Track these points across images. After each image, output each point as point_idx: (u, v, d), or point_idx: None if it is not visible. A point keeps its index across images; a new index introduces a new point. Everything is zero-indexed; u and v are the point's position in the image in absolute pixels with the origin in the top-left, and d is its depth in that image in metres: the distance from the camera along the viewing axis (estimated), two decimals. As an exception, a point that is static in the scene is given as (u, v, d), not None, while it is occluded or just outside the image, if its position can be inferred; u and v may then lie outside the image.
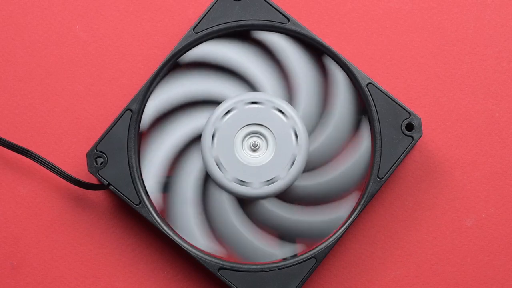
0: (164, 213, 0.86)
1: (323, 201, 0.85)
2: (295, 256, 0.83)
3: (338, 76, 0.84)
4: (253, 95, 0.82)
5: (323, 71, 0.86)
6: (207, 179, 0.84)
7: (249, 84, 0.85)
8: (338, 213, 0.84)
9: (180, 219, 0.84)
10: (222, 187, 0.82)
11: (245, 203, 0.84)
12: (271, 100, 0.82)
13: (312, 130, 0.85)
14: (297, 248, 0.84)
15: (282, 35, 0.84)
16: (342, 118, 0.84)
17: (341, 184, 0.84)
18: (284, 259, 0.82)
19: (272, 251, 0.83)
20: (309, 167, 0.84)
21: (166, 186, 0.85)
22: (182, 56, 0.84)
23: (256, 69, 0.84)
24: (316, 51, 0.85)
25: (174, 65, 0.85)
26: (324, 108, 0.86)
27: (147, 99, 0.84)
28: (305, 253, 0.82)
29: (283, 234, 0.85)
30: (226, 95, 0.83)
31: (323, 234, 0.84)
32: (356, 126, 0.85)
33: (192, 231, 0.83)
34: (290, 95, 0.85)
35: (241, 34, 0.85)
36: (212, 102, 0.84)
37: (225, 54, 0.84)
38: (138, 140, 0.84)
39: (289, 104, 0.82)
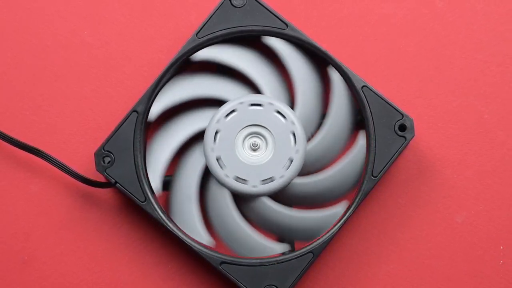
0: (166, 209, 0.86)
1: (319, 202, 0.85)
2: (293, 251, 0.83)
3: (336, 80, 0.84)
4: (255, 98, 0.82)
5: (322, 75, 0.86)
6: (208, 177, 0.84)
7: (251, 86, 0.85)
8: (332, 216, 0.83)
9: (182, 215, 0.84)
10: (222, 184, 0.82)
11: (243, 201, 0.84)
12: (272, 102, 0.82)
13: (310, 132, 0.85)
14: (291, 246, 0.84)
15: (283, 40, 0.84)
16: (340, 121, 0.84)
17: (336, 187, 0.84)
18: (283, 254, 0.83)
19: (266, 247, 0.83)
20: (306, 169, 0.84)
21: (169, 184, 0.85)
22: (193, 55, 0.84)
23: (257, 72, 0.85)
24: (316, 57, 0.85)
25: (185, 63, 0.85)
26: (322, 110, 0.86)
27: (153, 101, 0.84)
28: (303, 248, 0.82)
29: (278, 232, 0.85)
30: (229, 97, 0.84)
31: (316, 234, 0.83)
32: (354, 128, 0.85)
33: (193, 226, 0.84)
34: (289, 97, 0.86)
35: (245, 39, 0.85)
36: (215, 103, 0.84)
37: (229, 58, 0.84)
38: (143, 140, 0.84)
39: (289, 107, 0.82)
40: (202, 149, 0.83)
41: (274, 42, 0.84)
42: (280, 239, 0.86)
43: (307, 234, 0.84)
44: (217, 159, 0.82)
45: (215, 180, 0.83)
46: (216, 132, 0.82)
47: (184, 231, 0.83)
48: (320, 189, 0.84)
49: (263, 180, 0.82)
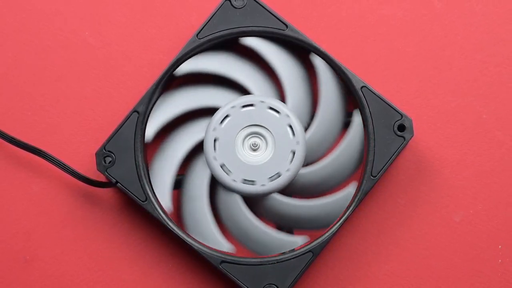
0: (176, 215, 0.86)
1: (328, 187, 0.85)
2: (293, 250, 0.83)
3: (320, 66, 0.84)
4: (245, 99, 0.82)
5: (309, 68, 0.85)
6: (216, 186, 0.84)
7: (238, 89, 0.85)
8: (345, 197, 0.83)
9: (199, 228, 0.84)
10: (231, 189, 0.82)
11: (255, 202, 0.84)
12: (263, 100, 0.82)
13: (305, 122, 0.85)
14: (304, 238, 0.84)
15: (260, 38, 0.84)
16: (331, 105, 0.84)
17: (342, 168, 0.84)
18: (283, 253, 0.83)
19: (287, 243, 0.83)
20: (309, 158, 0.84)
21: (178, 184, 0.85)
22: (176, 71, 0.84)
23: (242, 74, 0.84)
24: (294, 47, 0.85)
25: (169, 80, 0.85)
26: (312, 99, 0.86)
27: (153, 102, 0.84)
28: (303, 247, 0.82)
29: (295, 225, 0.84)
30: (220, 103, 0.83)
31: (332, 220, 0.83)
32: (347, 110, 0.85)
33: (212, 237, 0.84)
34: (278, 92, 0.85)
35: (224, 43, 0.85)
36: (207, 113, 0.84)
37: (211, 66, 0.84)
38: (144, 140, 0.84)
39: (280, 102, 0.82)
40: (204, 160, 0.83)
41: (252, 41, 0.84)
42: (297, 232, 0.86)
43: (324, 221, 0.84)
44: (221, 166, 0.82)
45: (223, 187, 0.83)
46: (215, 140, 0.82)
47: (204, 243, 0.83)
48: (328, 174, 0.84)
49: (270, 177, 0.82)
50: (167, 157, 0.84)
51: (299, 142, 0.82)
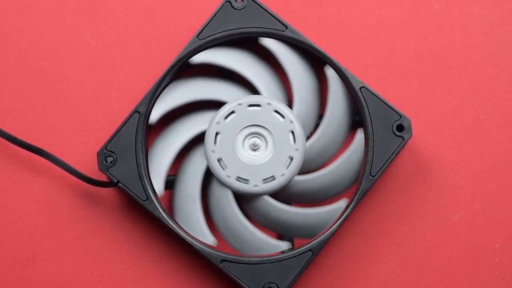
0: (169, 209, 0.86)
1: (319, 199, 0.85)
2: (292, 249, 0.83)
3: (332, 78, 0.84)
4: (253, 98, 0.82)
5: (319, 74, 0.86)
6: (210, 178, 0.85)
7: (248, 88, 0.85)
8: (333, 211, 0.84)
9: (185, 216, 0.84)
10: (224, 184, 0.82)
11: (245, 200, 0.85)
12: (270, 102, 0.82)
13: (308, 131, 0.85)
14: (291, 244, 0.85)
15: (279, 41, 0.85)
16: (337, 118, 0.85)
17: (336, 183, 0.84)
18: (283, 252, 0.83)
19: (269, 245, 0.84)
20: (306, 167, 0.85)
21: (171, 183, 0.86)
22: (192, 58, 0.84)
23: (254, 73, 0.85)
24: (312, 56, 0.85)
25: (184, 66, 0.85)
26: (319, 108, 0.86)
27: (154, 102, 0.84)
28: (302, 246, 0.83)
29: (280, 230, 0.85)
30: (228, 99, 0.84)
31: (317, 231, 0.84)
32: (351, 126, 0.86)
33: (197, 227, 0.84)
34: (287, 97, 0.86)
35: (242, 41, 0.85)
36: (214, 105, 0.84)
37: (226, 60, 0.85)
38: (145, 140, 0.84)
39: (287, 107, 0.82)
40: (203, 151, 0.84)
41: (270, 43, 0.85)
42: (281, 237, 0.86)
43: (308, 231, 0.84)
44: (218, 160, 0.82)
45: (217, 181, 0.83)
46: (216, 134, 0.82)
47: (188, 231, 0.84)
48: (321, 186, 0.84)
49: (264, 179, 0.82)
50: (168, 141, 0.85)
51: (298, 149, 0.82)
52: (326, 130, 0.85)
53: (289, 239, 0.86)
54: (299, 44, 0.85)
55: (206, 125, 0.84)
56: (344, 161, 0.84)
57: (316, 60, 0.86)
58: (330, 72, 0.85)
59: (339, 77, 0.85)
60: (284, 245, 0.84)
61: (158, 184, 0.84)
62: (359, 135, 0.84)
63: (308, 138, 0.85)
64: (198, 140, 0.85)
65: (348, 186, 0.85)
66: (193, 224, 0.84)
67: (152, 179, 0.84)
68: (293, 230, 0.85)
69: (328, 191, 0.85)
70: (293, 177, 0.82)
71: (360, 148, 0.84)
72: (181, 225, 0.84)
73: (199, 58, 0.84)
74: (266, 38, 0.85)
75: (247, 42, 0.86)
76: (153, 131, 0.87)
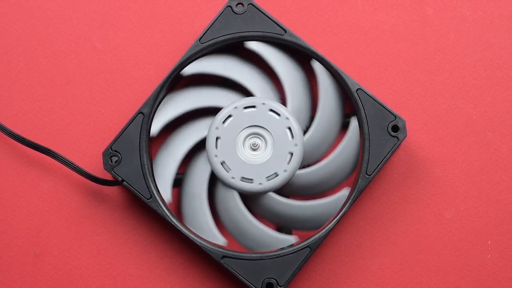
0: (175, 208, 0.86)
1: (324, 189, 0.85)
2: (291, 245, 0.83)
3: (320, 71, 0.84)
4: (248, 100, 0.82)
5: (309, 73, 0.86)
6: (215, 182, 0.85)
7: (241, 91, 0.85)
8: (339, 199, 0.84)
9: (196, 221, 0.85)
10: (229, 186, 0.82)
11: (252, 199, 0.85)
12: (264, 102, 0.82)
13: (304, 125, 0.85)
14: (295, 238, 0.84)
15: (263, 43, 0.84)
16: (330, 110, 0.85)
17: (337, 171, 0.84)
18: (282, 249, 0.83)
19: (281, 240, 0.84)
20: (306, 160, 0.85)
21: (178, 183, 0.86)
22: (182, 71, 0.84)
23: (245, 76, 0.85)
24: (295, 52, 0.85)
25: (176, 79, 0.85)
26: (312, 102, 0.86)
27: (158, 104, 0.84)
28: (301, 243, 0.83)
29: (283, 225, 0.85)
30: (223, 104, 0.84)
31: (325, 220, 0.84)
32: (344, 115, 0.86)
33: (208, 230, 0.84)
34: (279, 95, 0.86)
35: (228, 47, 0.85)
36: (210, 112, 0.84)
37: (216, 68, 0.84)
38: (149, 140, 0.84)
39: (281, 104, 0.82)
40: (205, 156, 0.84)
41: (256, 46, 0.85)
42: (289, 232, 0.86)
43: (316, 222, 0.84)
44: (222, 164, 0.82)
45: (222, 183, 0.84)
46: (217, 139, 0.82)
47: (199, 234, 0.84)
48: (323, 177, 0.85)
49: (268, 177, 0.82)
50: (171, 151, 0.85)
51: (297, 144, 0.82)
52: (320, 123, 0.85)
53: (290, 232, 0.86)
54: (298, 48, 0.85)
55: (205, 131, 0.84)
56: (343, 149, 0.84)
57: (301, 55, 0.85)
58: (317, 66, 0.84)
59: (326, 70, 0.84)
60: (292, 238, 0.84)
61: (166, 192, 0.84)
62: (353, 123, 0.84)
63: (304, 132, 0.85)
64: (199, 147, 0.85)
65: (348, 174, 0.85)
66: (203, 227, 0.84)
67: (159, 188, 0.84)
68: (301, 223, 0.85)
69: (330, 181, 0.85)
70: (295, 171, 0.82)
71: (356, 135, 0.84)
72: (191, 229, 0.84)
73: (190, 69, 0.84)
74: (250, 41, 0.84)
75: (232, 48, 0.86)
76: (155, 140, 0.87)
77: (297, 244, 0.83)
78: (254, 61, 0.86)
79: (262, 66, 0.86)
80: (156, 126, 0.84)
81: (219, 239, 0.84)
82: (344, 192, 0.84)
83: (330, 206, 0.84)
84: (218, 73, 0.85)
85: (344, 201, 0.84)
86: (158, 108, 0.85)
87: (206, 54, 0.86)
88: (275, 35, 0.85)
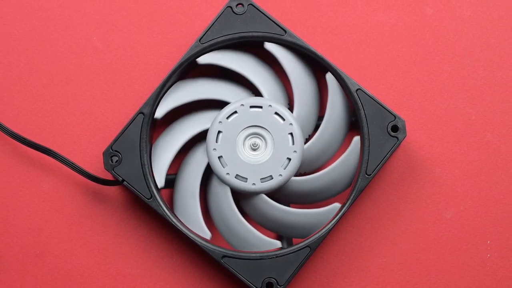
0: (170, 204, 0.86)
1: (315, 201, 0.86)
2: (291, 245, 0.84)
3: (331, 83, 0.85)
4: (255, 100, 0.83)
5: (319, 79, 0.87)
6: (210, 175, 0.85)
7: (251, 90, 0.86)
8: (327, 213, 0.84)
9: (185, 210, 0.85)
10: (223, 181, 0.82)
11: (243, 198, 0.85)
12: (271, 105, 0.82)
13: (307, 133, 0.86)
14: (288, 243, 0.85)
15: (283, 47, 0.85)
16: (335, 122, 0.85)
17: (330, 186, 0.85)
18: (281, 248, 0.83)
19: (263, 242, 0.84)
20: (303, 169, 0.86)
21: (172, 182, 0.86)
22: (198, 59, 0.84)
23: (257, 76, 0.86)
24: (313, 62, 0.86)
25: (191, 66, 0.85)
26: (318, 112, 0.86)
27: (158, 104, 0.84)
28: (300, 242, 0.83)
29: (275, 229, 0.85)
30: (231, 99, 0.85)
31: (311, 231, 0.84)
32: (348, 129, 0.86)
33: (195, 221, 0.84)
34: (287, 100, 0.87)
35: (247, 45, 0.86)
36: (217, 105, 0.85)
37: (230, 62, 0.85)
38: (149, 140, 0.85)
39: (287, 109, 0.83)
40: (205, 148, 0.84)
41: (274, 48, 0.85)
42: (278, 236, 0.86)
43: (303, 231, 0.85)
44: (219, 158, 0.82)
45: (216, 178, 0.84)
46: (218, 133, 0.82)
47: (186, 224, 0.84)
48: (317, 187, 0.85)
49: (262, 179, 0.82)
50: (172, 138, 0.85)
51: (296, 150, 0.82)
52: (324, 133, 0.85)
53: (287, 239, 0.86)
54: (298, 48, 0.85)
55: (208, 124, 0.84)
56: (340, 164, 0.84)
57: (317, 66, 0.86)
58: (330, 79, 0.85)
59: (339, 85, 0.85)
60: (278, 243, 0.84)
61: (160, 177, 0.84)
62: (356, 139, 0.84)
63: (307, 140, 0.85)
64: (201, 138, 0.86)
65: (342, 189, 0.86)
66: (191, 219, 0.84)
67: (154, 173, 0.84)
68: (288, 229, 0.85)
69: (324, 193, 0.85)
70: (290, 177, 0.83)
71: (356, 152, 0.84)
72: (180, 219, 0.84)
73: (206, 59, 0.85)
74: (270, 43, 0.85)
75: (252, 46, 0.86)
76: (157, 129, 0.87)
77: (296, 244, 0.83)
78: (269, 62, 0.87)
79: (277, 69, 0.87)
80: (161, 110, 0.84)
81: (206, 233, 0.84)
82: (335, 205, 0.84)
83: (320, 217, 0.84)
84: (233, 68, 0.85)
85: (333, 214, 0.84)
86: (167, 93, 0.85)
87: (206, 53, 0.86)
88: (275, 35, 0.85)
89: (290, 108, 0.86)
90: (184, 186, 0.85)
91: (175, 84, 0.85)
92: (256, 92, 0.86)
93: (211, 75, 0.87)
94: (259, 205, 0.85)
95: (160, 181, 0.85)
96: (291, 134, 0.83)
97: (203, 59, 0.85)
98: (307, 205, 0.86)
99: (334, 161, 0.85)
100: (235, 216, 0.84)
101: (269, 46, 0.85)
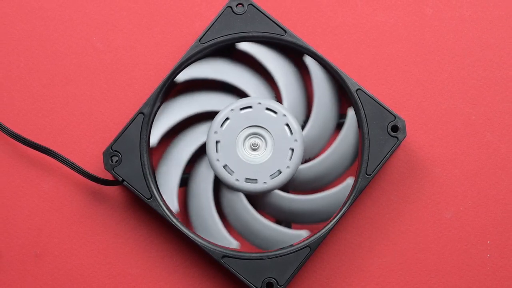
0: (182, 210, 0.87)
1: (327, 181, 0.85)
2: (291, 245, 0.83)
3: (313, 67, 0.84)
4: (243, 101, 0.83)
5: (302, 69, 0.86)
6: (220, 185, 0.85)
7: (236, 93, 0.86)
8: (344, 189, 0.84)
9: (206, 227, 0.85)
10: (234, 188, 0.82)
11: (258, 199, 0.85)
12: (260, 102, 0.82)
13: (301, 121, 0.86)
14: (306, 232, 0.85)
15: (254, 43, 0.84)
16: (325, 104, 0.85)
17: (339, 162, 0.85)
18: (281, 248, 0.83)
19: (288, 237, 0.84)
20: (307, 155, 0.85)
21: (184, 182, 0.86)
22: (176, 78, 0.84)
23: (238, 78, 0.85)
24: (286, 49, 0.85)
25: (169, 87, 0.85)
26: (307, 98, 0.86)
27: (158, 104, 0.84)
28: (300, 242, 0.83)
29: (297, 220, 0.85)
30: (219, 107, 0.84)
31: (332, 212, 0.84)
32: (340, 107, 0.86)
33: (220, 235, 0.84)
34: (274, 94, 0.87)
35: (219, 50, 0.85)
36: (207, 117, 0.85)
37: (208, 72, 0.85)
38: (149, 140, 0.84)
39: (277, 102, 0.83)
40: (207, 162, 0.84)
41: (246, 46, 0.85)
42: (296, 226, 0.86)
43: (323, 215, 0.85)
44: (224, 167, 0.82)
45: (227, 187, 0.84)
46: (217, 142, 0.83)
47: (213, 241, 0.84)
48: (325, 169, 0.85)
49: (272, 175, 0.82)
50: (173, 161, 0.85)
51: (297, 139, 0.82)
52: (317, 116, 0.85)
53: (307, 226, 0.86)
54: (298, 48, 0.85)
55: (204, 137, 0.84)
56: (342, 139, 0.84)
57: (293, 52, 0.85)
58: (309, 61, 0.84)
59: (319, 65, 0.84)
60: (303, 233, 0.84)
61: (172, 201, 0.85)
62: (350, 112, 0.84)
63: (302, 127, 0.85)
64: (200, 152, 0.85)
65: (350, 163, 0.85)
66: (214, 232, 0.85)
67: (165, 199, 0.84)
68: (308, 217, 0.85)
69: (334, 173, 0.85)
70: (298, 166, 0.82)
71: (354, 124, 0.84)
72: (204, 237, 0.84)
73: (182, 76, 0.85)
74: (241, 43, 0.85)
75: (223, 51, 0.86)
76: (156, 152, 0.87)
77: (296, 244, 0.83)
78: (245, 62, 0.86)
79: (253, 66, 0.86)
80: (155, 137, 0.85)
81: (233, 243, 0.84)
82: (349, 181, 0.84)
83: (336, 197, 0.84)
84: (210, 77, 0.85)
85: (349, 190, 0.84)
86: (155, 118, 0.85)
87: (206, 54, 0.86)
88: (275, 36, 0.85)
89: (278, 100, 0.86)
90: (198, 205, 0.85)
91: (160, 108, 0.85)
92: (241, 93, 0.86)
93: (191, 90, 0.87)
94: (275, 202, 0.84)
95: (174, 207, 0.85)
96: (287, 124, 0.83)
97: (180, 77, 0.85)
98: (319, 190, 0.86)
99: (334, 139, 0.85)
100: (257, 221, 0.84)
101: (241, 45, 0.85)
